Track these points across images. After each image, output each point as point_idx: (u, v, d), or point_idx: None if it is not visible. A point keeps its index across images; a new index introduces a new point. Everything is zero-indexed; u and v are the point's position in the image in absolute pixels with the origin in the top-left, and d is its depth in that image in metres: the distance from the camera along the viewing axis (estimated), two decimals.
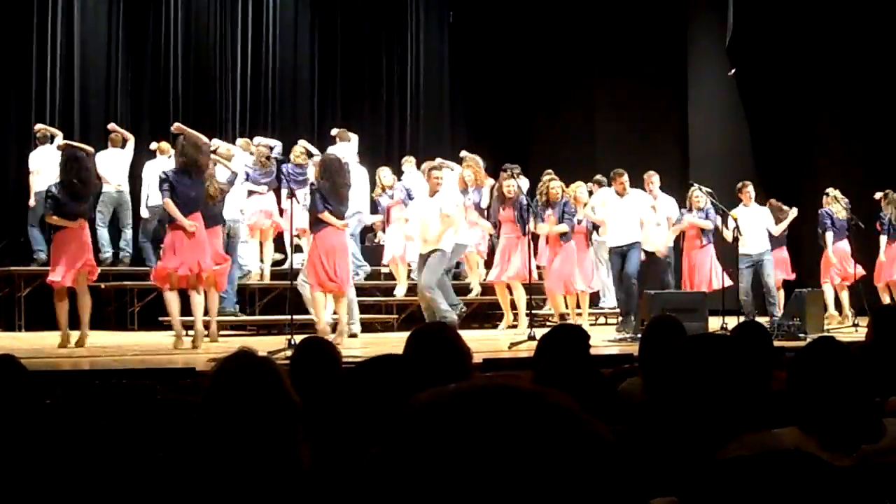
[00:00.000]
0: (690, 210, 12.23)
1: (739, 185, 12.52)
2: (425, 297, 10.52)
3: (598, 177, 13.20)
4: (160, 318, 10.86)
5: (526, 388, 0.95)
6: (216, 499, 2.38)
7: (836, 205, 13.16)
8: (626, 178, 11.69)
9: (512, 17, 16.92)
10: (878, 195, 13.38)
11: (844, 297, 13.29)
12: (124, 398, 4.68)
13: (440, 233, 10.49)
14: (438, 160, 12.35)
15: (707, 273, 12.14)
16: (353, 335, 10.66)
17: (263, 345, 8.45)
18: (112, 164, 12.88)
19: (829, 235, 13.10)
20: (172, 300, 9.50)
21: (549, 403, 0.93)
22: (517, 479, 0.89)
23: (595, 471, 0.91)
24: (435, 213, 10.58)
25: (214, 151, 10.73)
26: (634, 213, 11.64)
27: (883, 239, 13.31)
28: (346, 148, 13.25)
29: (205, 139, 10.03)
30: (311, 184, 9.99)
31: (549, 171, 12.23)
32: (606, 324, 13.15)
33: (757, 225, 12.27)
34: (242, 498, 2.32)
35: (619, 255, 11.65)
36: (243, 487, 2.32)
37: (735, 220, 11.59)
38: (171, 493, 2.61)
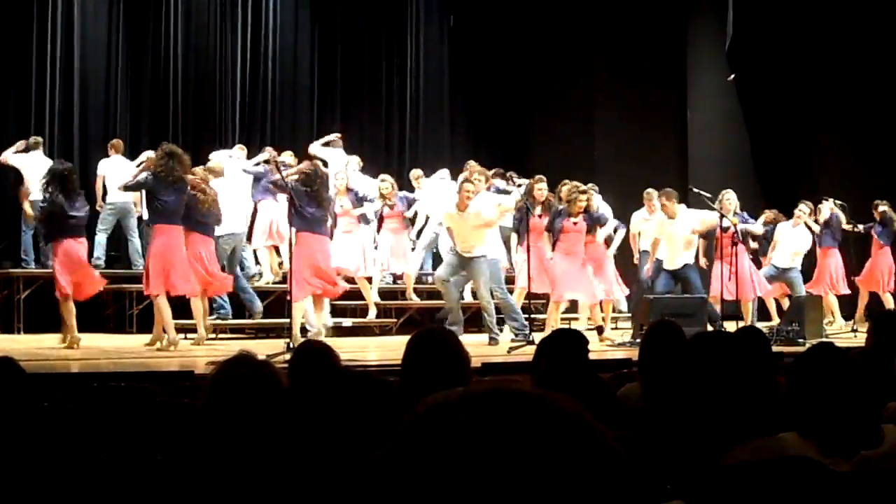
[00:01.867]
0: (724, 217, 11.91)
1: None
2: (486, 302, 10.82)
3: (591, 185, 13.23)
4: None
5: (534, 393, 0.96)
6: (216, 502, 2.38)
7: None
8: (675, 197, 11.61)
9: (512, 20, 16.93)
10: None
11: (833, 302, 13.37)
12: (123, 401, 4.68)
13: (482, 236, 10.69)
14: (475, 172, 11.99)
15: (748, 279, 12.01)
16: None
17: (262, 348, 8.45)
18: (116, 173, 12.87)
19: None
20: (164, 305, 9.59)
21: (556, 408, 0.94)
22: (524, 483, 0.89)
23: (601, 476, 0.91)
24: (472, 225, 10.65)
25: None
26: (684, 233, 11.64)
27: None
28: (339, 154, 13.43)
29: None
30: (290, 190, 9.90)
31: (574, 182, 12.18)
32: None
33: (792, 242, 12.55)
34: (243, 501, 2.32)
35: (673, 278, 11.49)
36: (243, 490, 2.32)
37: (734, 225, 11.59)
38: (170, 496, 2.61)
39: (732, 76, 15.88)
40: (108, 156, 13.10)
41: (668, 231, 11.52)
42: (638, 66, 16.07)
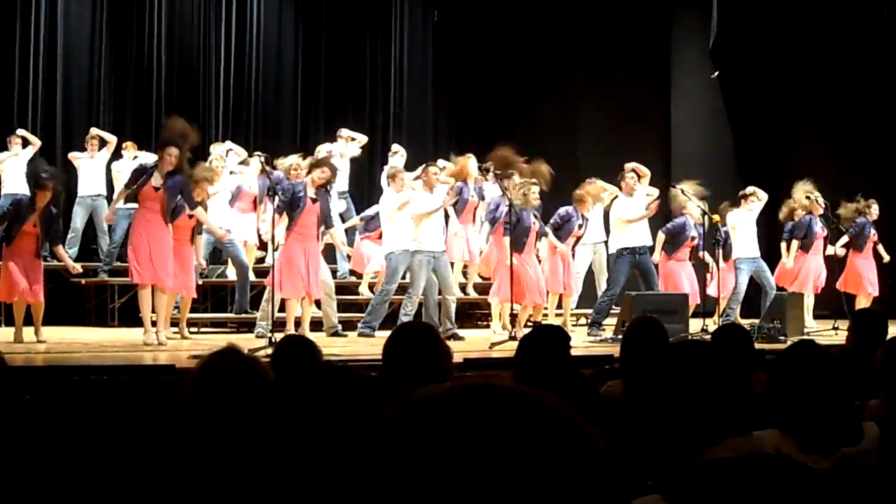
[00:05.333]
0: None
1: (750, 190, 12.73)
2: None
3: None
4: (140, 315, 10.83)
5: (521, 390, 0.96)
6: (198, 497, 2.37)
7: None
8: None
9: (496, 17, 16.93)
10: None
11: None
12: (104, 395, 4.66)
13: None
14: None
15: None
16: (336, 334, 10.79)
17: (244, 342, 8.43)
18: (89, 169, 12.93)
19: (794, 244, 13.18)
20: (146, 297, 9.52)
21: (542, 405, 0.94)
22: (509, 479, 0.89)
23: (585, 473, 0.92)
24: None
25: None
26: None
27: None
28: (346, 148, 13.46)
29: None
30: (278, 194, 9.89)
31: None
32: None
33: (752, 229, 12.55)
34: (225, 496, 2.32)
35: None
36: (226, 485, 2.32)
37: (716, 222, 11.62)
38: (151, 491, 2.60)
39: (716, 73, 15.92)
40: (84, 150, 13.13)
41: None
42: (622, 62, 16.10)
